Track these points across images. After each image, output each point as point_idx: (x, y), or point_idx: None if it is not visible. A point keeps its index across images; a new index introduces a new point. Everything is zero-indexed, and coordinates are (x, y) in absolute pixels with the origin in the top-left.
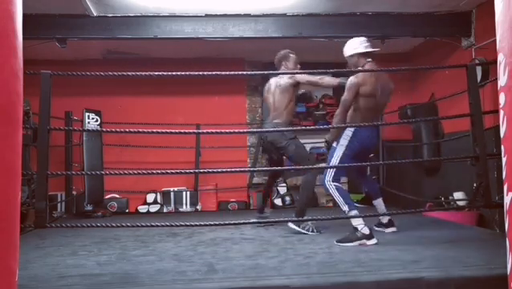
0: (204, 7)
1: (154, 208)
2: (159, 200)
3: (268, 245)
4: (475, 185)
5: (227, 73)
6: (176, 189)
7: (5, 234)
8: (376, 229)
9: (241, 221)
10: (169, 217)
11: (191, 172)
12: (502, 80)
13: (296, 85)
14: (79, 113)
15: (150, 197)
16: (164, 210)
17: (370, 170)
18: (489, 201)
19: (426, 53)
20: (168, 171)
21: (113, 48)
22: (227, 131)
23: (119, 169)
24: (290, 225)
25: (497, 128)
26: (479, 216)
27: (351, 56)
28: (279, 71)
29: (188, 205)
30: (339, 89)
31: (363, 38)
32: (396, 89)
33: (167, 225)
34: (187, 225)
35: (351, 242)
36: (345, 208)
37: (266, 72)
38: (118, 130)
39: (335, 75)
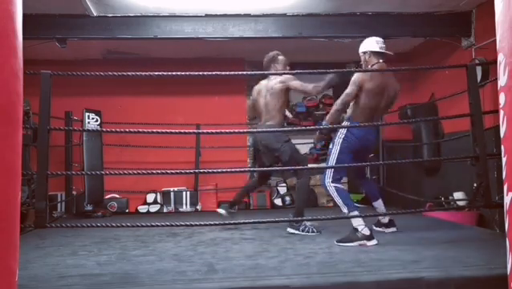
0: (204, 7)
1: (154, 208)
2: (159, 200)
3: (268, 245)
4: (475, 185)
5: (227, 73)
6: (176, 189)
7: (5, 234)
8: (376, 229)
9: (241, 221)
10: (169, 217)
11: (191, 173)
12: (502, 80)
13: (288, 89)
14: (79, 113)
15: (150, 197)
16: (164, 210)
17: (370, 170)
18: (489, 201)
19: (426, 53)
20: (168, 171)
21: (113, 48)
22: (227, 131)
23: (119, 169)
24: (290, 230)
25: (497, 128)
26: (479, 216)
27: (364, 53)
28: (279, 72)
29: (188, 205)
30: (338, 89)
31: (380, 39)
32: None
33: (167, 225)
34: (187, 225)
35: (352, 242)
36: (345, 209)
37: (266, 72)
38: (118, 130)
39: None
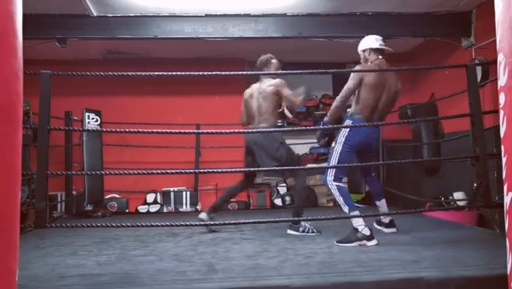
0: (204, 7)
1: (154, 208)
2: (159, 200)
3: (268, 245)
4: (475, 185)
5: (227, 73)
6: (176, 189)
7: (5, 234)
8: (376, 227)
9: (241, 221)
10: (169, 217)
11: (191, 173)
12: (502, 80)
13: (279, 94)
14: (79, 113)
15: (150, 197)
16: (164, 210)
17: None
18: (489, 201)
19: (426, 53)
20: (168, 171)
21: (113, 48)
22: (227, 131)
23: (119, 169)
24: (290, 232)
25: (497, 128)
26: (479, 216)
27: (364, 51)
28: (279, 71)
29: (188, 205)
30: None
31: (379, 37)
32: None
33: (167, 225)
34: (187, 225)
35: (351, 242)
36: (345, 209)
37: (266, 72)
38: (118, 130)
39: (334, 75)
